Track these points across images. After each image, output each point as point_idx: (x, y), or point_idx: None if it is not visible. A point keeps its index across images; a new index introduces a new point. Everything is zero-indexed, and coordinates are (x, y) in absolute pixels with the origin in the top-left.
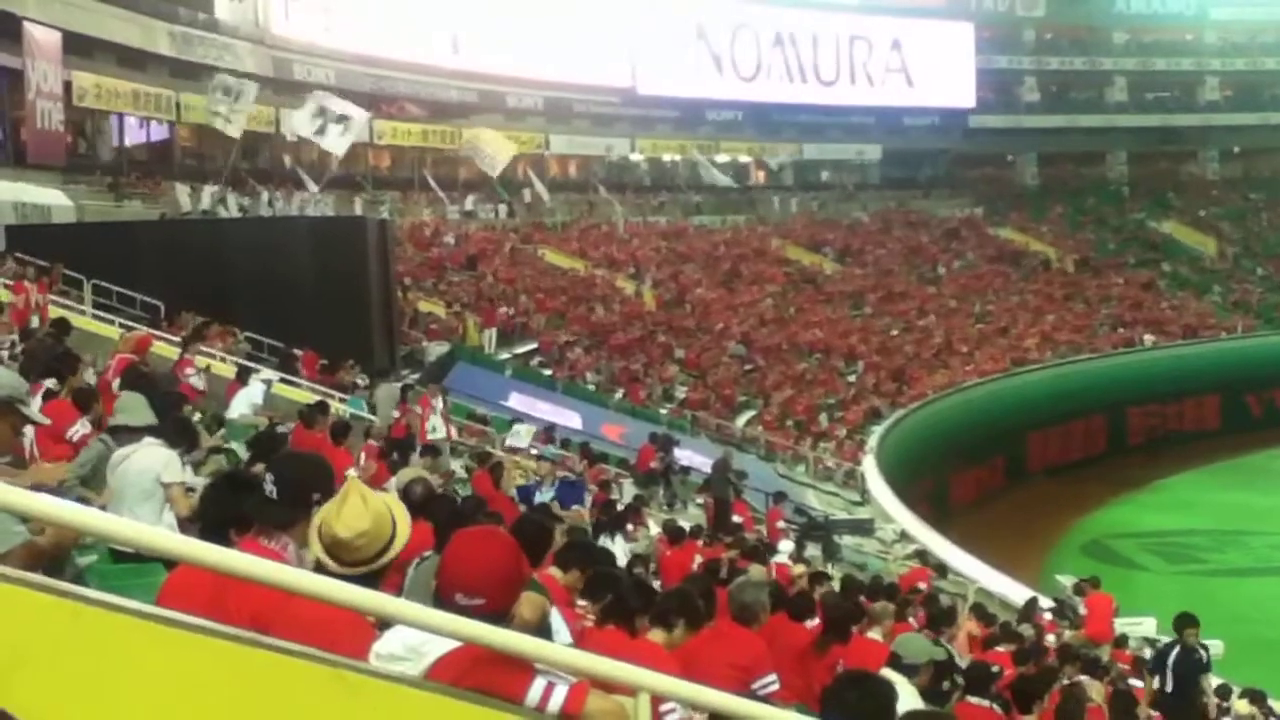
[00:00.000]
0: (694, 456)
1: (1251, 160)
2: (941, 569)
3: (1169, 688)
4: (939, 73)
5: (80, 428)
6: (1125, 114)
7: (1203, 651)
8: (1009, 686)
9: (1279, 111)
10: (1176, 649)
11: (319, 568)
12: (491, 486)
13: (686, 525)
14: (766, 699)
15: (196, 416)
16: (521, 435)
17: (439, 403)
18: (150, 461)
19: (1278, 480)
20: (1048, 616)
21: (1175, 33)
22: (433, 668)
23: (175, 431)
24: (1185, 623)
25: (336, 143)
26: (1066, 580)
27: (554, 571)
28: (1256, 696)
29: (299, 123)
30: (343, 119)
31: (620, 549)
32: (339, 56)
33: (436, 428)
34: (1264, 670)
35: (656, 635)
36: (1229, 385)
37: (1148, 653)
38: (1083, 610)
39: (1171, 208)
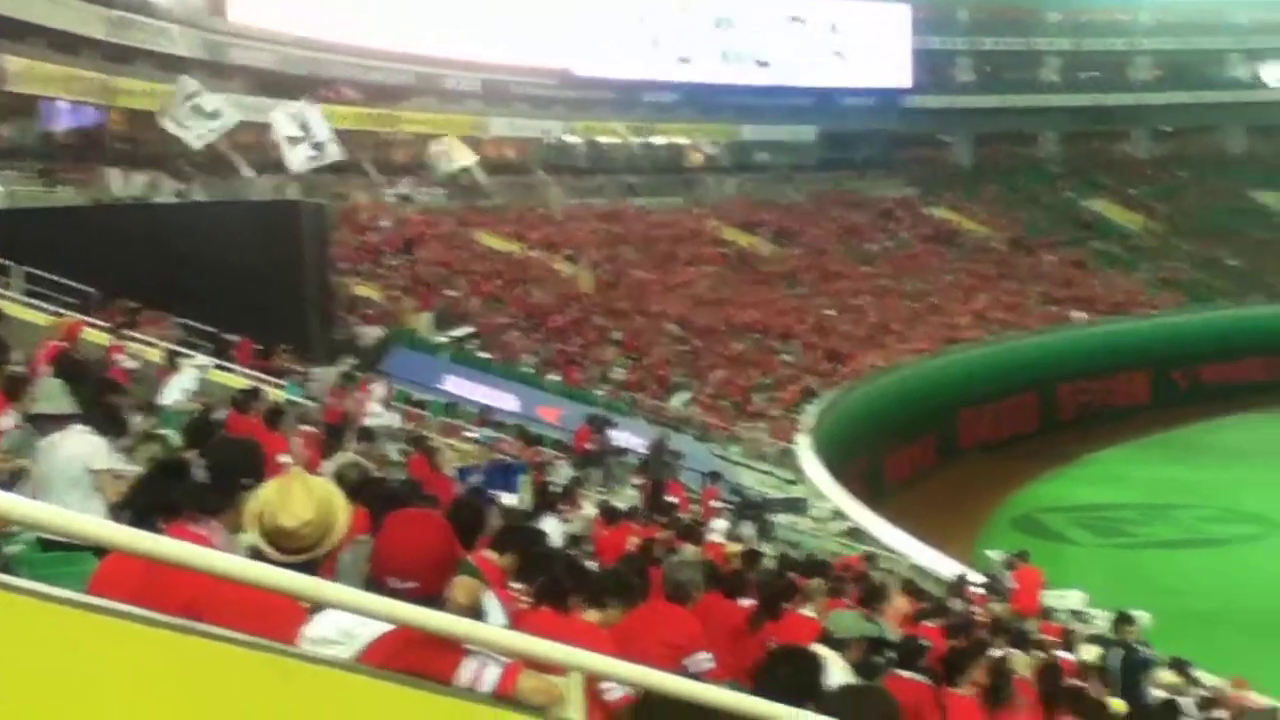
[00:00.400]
0: (630, 438)
1: (1182, 139)
2: (871, 557)
3: (1119, 692)
4: (876, 54)
5: (10, 417)
6: (1058, 94)
7: (1144, 649)
8: (940, 659)
9: (1210, 91)
10: (1118, 651)
11: (257, 555)
12: (429, 469)
13: (623, 506)
14: (700, 676)
15: (131, 404)
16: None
17: (380, 389)
18: (79, 449)
19: (1206, 454)
20: (980, 591)
21: (1108, 13)
22: (365, 651)
23: (104, 419)
24: (1124, 621)
25: (301, 160)
26: (995, 555)
27: (490, 554)
28: (1181, 666)
29: (277, 120)
30: (318, 146)
31: (554, 529)
32: (277, 40)
33: (376, 414)
34: (1193, 641)
35: (590, 615)
36: (1158, 361)
37: (1075, 625)
38: (1012, 584)
39: (1102, 186)
